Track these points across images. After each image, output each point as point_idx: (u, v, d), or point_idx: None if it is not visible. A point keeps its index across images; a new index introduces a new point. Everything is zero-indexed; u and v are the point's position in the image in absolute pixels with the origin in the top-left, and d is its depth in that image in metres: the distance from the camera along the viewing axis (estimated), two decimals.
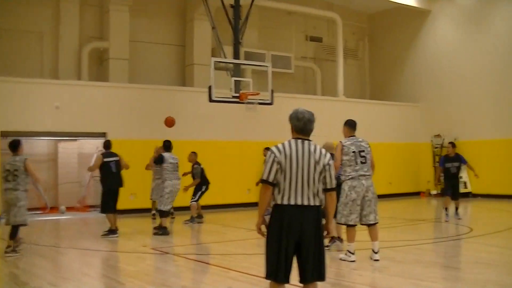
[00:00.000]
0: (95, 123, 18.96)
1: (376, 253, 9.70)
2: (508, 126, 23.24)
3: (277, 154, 5.64)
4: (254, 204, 19.49)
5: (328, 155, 5.76)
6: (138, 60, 22.26)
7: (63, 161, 21.49)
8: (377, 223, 9.88)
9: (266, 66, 19.10)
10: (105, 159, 14.03)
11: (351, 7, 28.25)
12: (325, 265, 5.67)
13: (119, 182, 14.13)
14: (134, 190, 18.13)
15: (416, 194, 26.40)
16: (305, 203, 5.56)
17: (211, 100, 17.20)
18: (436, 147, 25.69)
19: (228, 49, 19.69)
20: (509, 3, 23.71)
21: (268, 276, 5.65)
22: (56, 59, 20.89)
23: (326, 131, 23.00)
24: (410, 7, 26.36)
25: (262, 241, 12.56)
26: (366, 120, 24.65)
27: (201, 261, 10.51)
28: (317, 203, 5.63)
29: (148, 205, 18.03)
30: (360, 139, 10.13)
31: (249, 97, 17.58)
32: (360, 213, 9.73)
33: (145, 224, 16.74)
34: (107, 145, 14.47)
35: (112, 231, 13.74)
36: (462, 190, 23.84)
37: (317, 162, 5.64)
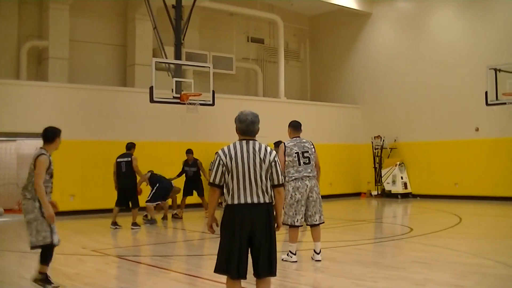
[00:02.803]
0: (34, 123, 18.59)
1: (318, 253, 9.77)
2: (444, 129, 23.78)
3: (223, 157, 5.82)
4: (197, 205, 19.48)
5: (274, 153, 5.94)
6: (78, 60, 22.00)
7: (1, 162, 21.12)
8: (322, 223, 9.96)
9: (208, 67, 19.13)
10: (118, 159, 15.67)
11: (292, 9, 28.46)
12: (276, 261, 5.90)
13: (126, 181, 15.54)
14: (74, 191, 17.91)
15: (357, 195, 26.74)
16: (255, 201, 5.74)
17: (152, 101, 17.13)
18: (376, 148, 26.06)
19: (170, 50, 19.66)
20: (447, 8, 24.26)
21: (217, 270, 5.84)
22: None
23: (268, 132, 23.13)
24: (351, 9, 26.70)
25: (202, 243, 12.59)
26: (307, 121, 24.67)
27: (142, 263, 10.46)
28: (267, 200, 5.81)
29: (87, 206, 17.86)
30: (304, 140, 10.20)
31: (191, 98, 17.59)
32: (305, 213, 9.79)
33: (84, 225, 16.56)
34: (126, 146, 15.91)
35: (114, 223, 15.55)
36: (402, 191, 24.37)
37: (262, 160, 5.83)
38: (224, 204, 5.88)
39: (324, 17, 29.34)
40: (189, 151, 18.50)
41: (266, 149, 5.91)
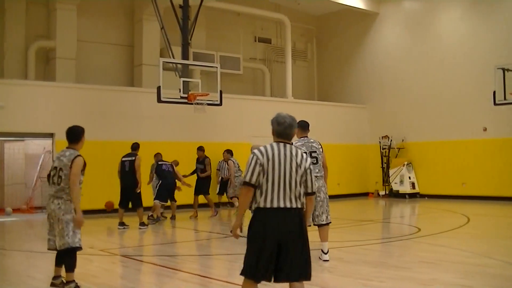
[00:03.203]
0: (42, 124, 18.69)
1: (325, 253, 9.76)
2: (452, 129, 23.72)
3: (260, 156, 5.64)
4: (204, 205, 19.50)
5: (309, 160, 5.84)
6: (86, 60, 22.04)
7: (9, 162, 21.19)
8: (329, 223, 9.97)
9: (215, 67, 19.14)
10: (122, 159, 15.80)
11: (299, 8, 28.43)
12: (310, 265, 5.76)
13: (128, 181, 15.55)
14: (81, 191, 17.94)
15: (364, 195, 26.71)
16: (288, 205, 5.59)
17: (159, 101, 17.15)
18: (384, 148, 26.02)
19: (177, 50, 19.69)
20: (454, 8, 24.21)
21: (244, 273, 5.66)
22: (1, 58, 20.57)
23: None
24: (358, 9, 26.67)
25: (209, 243, 12.59)
26: (314, 121, 24.62)
27: (149, 263, 10.48)
28: (299, 206, 5.67)
29: (94, 206, 17.90)
30: (311, 140, 10.23)
31: (198, 98, 17.59)
32: (313, 213, 9.77)
33: (91, 225, 16.59)
34: (132, 146, 16.09)
35: (121, 223, 15.59)
36: (410, 191, 24.35)
37: (298, 166, 5.69)
38: (254, 206, 5.67)
39: (331, 16, 29.32)
40: (199, 148, 18.69)
41: (302, 155, 5.78)
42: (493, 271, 8.92)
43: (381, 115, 26.74)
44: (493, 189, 22.18)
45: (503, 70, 19.38)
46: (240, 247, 12.48)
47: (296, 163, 5.68)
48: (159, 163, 17.38)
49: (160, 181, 17.02)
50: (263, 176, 5.59)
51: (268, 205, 5.56)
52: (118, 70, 23.26)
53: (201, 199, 18.58)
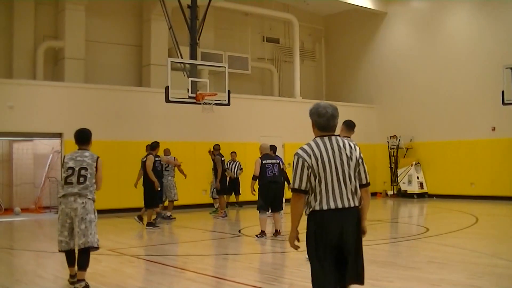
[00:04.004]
0: (50, 124, 18.74)
1: None
2: (460, 128, 23.67)
3: (307, 158, 5.05)
4: (209, 205, 19.55)
5: (358, 148, 5.32)
6: (94, 60, 22.10)
7: (18, 162, 21.24)
8: None
9: (223, 67, 19.16)
10: (142, 159, 15.86)
11: (307, 8, 28.43)
12: (363, 268, 5.24)
13: (143, 181, 15.75)
14: None
15: (373, 194, 26.65)
16: (346, 205, 5.04)
17: (168, 101, 17.17)
18: (392, 148, 25.98)
19: (185, 50, 19.70)
20: (462, 7, 24.16)
21: (316, 286, 5.16)
22: (10, 58, 20.65)
23: (283, 131, 23.24)
24: (366, 9, 26.65)
25: (217, 242, 12.58)
26: None
27: (157, 262, 10.49)
28: (356, 203, 5.15)
29: (103, 206, 17.91)
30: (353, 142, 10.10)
31: (206, 97, 17.60)
32: None
33: (100, 225, 16.60)
34: (150, 145, 16.05)
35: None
36: (418, 190, 24.31)
37: (349, 158, 5.15)
38: (307, 210, 5.10)
39: (340, 16, 29.30)
40: (214, 147, 18.63)
41: (350, 145, 5.23)
42: (501, 271, 8.89)
43: (389, 115, 26.70)
44: (502, 189, 22.11)
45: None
46: (247, 246, 12.50)
47: (347, 155, 5.13)
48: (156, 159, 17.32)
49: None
50: (315, 179, 5.02)
51: (325, 207, 5.01)
52: (126, 70, 23.30)
53: (199, 199, 18.54)
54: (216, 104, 18.01)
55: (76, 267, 8.08)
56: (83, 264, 7.97)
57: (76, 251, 8.06)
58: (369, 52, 28.04)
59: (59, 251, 8.12)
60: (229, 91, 18.41)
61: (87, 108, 19.34)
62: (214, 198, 19.16)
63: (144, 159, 15.84)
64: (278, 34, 28.46)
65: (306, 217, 5.13)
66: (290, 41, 27.74)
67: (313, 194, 5.06)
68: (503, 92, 19.15)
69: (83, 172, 8.01)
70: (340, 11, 28.70)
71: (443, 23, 24.93)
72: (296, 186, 5.04)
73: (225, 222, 17.32)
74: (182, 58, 19.38)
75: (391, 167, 26.02)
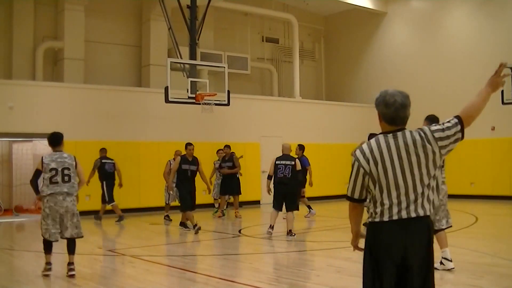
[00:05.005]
0: (50, 124, 18.66)
1: (450, 260, 8.94)
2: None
3: (363, 162, 4.25)
4: (210, 205, 19.54)
5: (428, 131, 4.33)
6: (94, 61, 22.10)
7: (18, 162, 21.24)
8: (449, 226, 9.35)
9: (223, 67, 19.16)
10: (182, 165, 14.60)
11: (307, 8, 28.44)
12: None
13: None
14: (89, 191, 17.97)
15: None
16: (413, 214, 4.11)
17: (167, 101, 17.16)
18: None
19: (185, 50, 19.70)
20: (462, 7, 24.17)
21: None
22: (9, 59, 20.63)
23: (283, 131, 23.23)
24: (366, 9, 26.65)
25: (216, 243, 12.56)
26: (322, 121, 24.90)
27: (157, 263, 10.49)
28: (427, 213, 4.14)
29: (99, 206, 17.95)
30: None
31: (206, 98, 17.59)
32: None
33: (99, 225, 16.63)
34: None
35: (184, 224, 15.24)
36: None
37: (424, 155, 4.21)
38: (367, 220, 4.36)
39: (339, 16, 29.30)
40: (226, 146, 18.49)
41: (421, 134, 4.29)
42: (502, 271, 8.89)
43: None
44: (502, 189, 22.10)
45: (511, 69, 19.31)
46: (248, 246, 12.50)
47: (416, 154, 4.18)
48: (103, 161, 17.31)
49: (105, 182, 17.01)
50: (374, 186, 4.21)
51: (386, 218, 4.15)
52: (126, 70, 23.29)
53: (203, 199, 18.48)
54: (216, 104, 18.00)
55: (68, 253, 9.05)
56: (73, 250, 9.06)
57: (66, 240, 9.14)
58: (369, 52, 28.03)
59: (47, 239, 9.03)
60: (228, 91, 18.41)
61: (86, 108, 19.34)
62: (215, 199, 19.17)
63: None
64: (277, 34, 28.47)
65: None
66: (289, 41, 27.75)
67: (373, 202, 4.26)
68: (502, 91, 19.12)
69: (66, 172, 9.06)
70: (340, 11, 28.71)
71: (443, 23, 24.92)
72: (349, 193, 4.38)
73: (225, 222, 17.32)
74: (181, 58, 19.38)
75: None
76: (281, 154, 13.51)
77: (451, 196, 23.40)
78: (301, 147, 17.82)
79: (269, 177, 13.53)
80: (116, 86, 21.14)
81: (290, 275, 9.08)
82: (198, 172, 14.69)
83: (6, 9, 20.71)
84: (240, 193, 18.41)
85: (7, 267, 10.64)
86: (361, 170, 4.23)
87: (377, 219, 4.18)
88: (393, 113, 4.38)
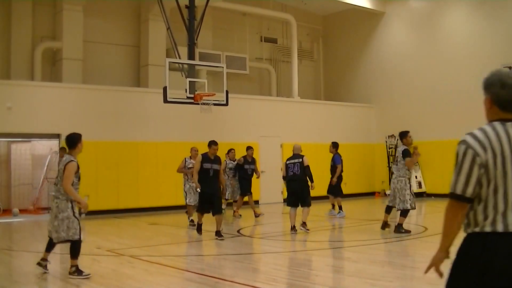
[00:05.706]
0: (48, 124, 18.73)
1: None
2: (459, 127, 23.41)
3: (479, 150, 3.41)
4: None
5: None
6: (92, 61, 22.08)
7: (16, 163, 21.23)
8: None
9: (221, 67, 19.17)
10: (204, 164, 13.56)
11: (305, 8, 28.44)
12: None
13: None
14: (88, 192, 17.97)
15: (371, 194, 26.67)
16: None
17: (166, 101, 17.16)
18: (390, 148, 25.99)
19: (183, 50, 19.69)
20: (460, 6, 24.17)
21: None
22: (8, 59, 20.61)
23: (282, 131, 23.24)
24: (364, 8, 26.65)
25: (216, 243, 12.52)
26: (321, 120, 24.94)
27: (156, 263, 10.48)
28: None
29: (102, 206, 17.92)
30: None
31: (204, 98, 17.60)
32: None
33: (99, 225, 16.62)
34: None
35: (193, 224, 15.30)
36: (417, 190, 24.27)
37: None
38: (469, 229, 3.54)
39: (337, 16, 29.31)
40: (249, 148, 18.13)
41: None
42: None
43: (388, 114, 26.70)
44: None
45: (510, 68, 19.30)
46: (247, 247, 12.50)
47: None
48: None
49: None
50: (488, 184, 3.37)
51: (500, 229, 3.31)
52: (124, 70, 23.28)
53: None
54: (214, 104, 18.01)
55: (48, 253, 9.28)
56: (71, 253, 8.99)
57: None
58: (367, 51, 28.04)
59: (48, 236, 9.22)
60: (227, 91, 18.43)
61: (85, 108, 19.34)
62: (233, 200, 18.95)
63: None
64: (276, 34, 28.46)
65: (464, 235, 3.61)
66: (288, 41, 27.75)
67: (481, 205, 3.42)
68: None
69: (59, 175, 9.06)
70: (338, 10, 28.71)
71: (441, 23, 24.92)
72: (459, 190, 3.45)
73: (225, 222, 17.32)
74: (180, 58, 19.36)
75: (389, 167, 25.99)
76: (292, 155, 14.12)
77: None
78: (334, 145, 17.59)
79: (284, 178, 14.22)
80: (114, 86, 21.13)
81: (289, 275, 9.08)
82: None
83: (4, 9, 20.69)
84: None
85: (6, 267, 10.64)
86: (478, 160, 3.38)
87: (487, 228, 3.35)
88: (510, 96, 3.52)
